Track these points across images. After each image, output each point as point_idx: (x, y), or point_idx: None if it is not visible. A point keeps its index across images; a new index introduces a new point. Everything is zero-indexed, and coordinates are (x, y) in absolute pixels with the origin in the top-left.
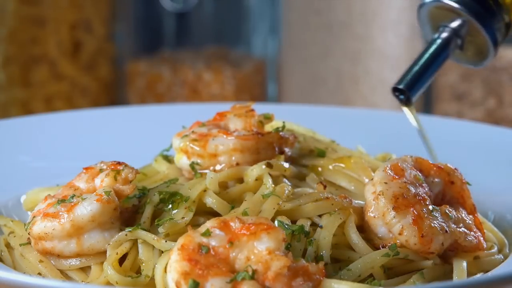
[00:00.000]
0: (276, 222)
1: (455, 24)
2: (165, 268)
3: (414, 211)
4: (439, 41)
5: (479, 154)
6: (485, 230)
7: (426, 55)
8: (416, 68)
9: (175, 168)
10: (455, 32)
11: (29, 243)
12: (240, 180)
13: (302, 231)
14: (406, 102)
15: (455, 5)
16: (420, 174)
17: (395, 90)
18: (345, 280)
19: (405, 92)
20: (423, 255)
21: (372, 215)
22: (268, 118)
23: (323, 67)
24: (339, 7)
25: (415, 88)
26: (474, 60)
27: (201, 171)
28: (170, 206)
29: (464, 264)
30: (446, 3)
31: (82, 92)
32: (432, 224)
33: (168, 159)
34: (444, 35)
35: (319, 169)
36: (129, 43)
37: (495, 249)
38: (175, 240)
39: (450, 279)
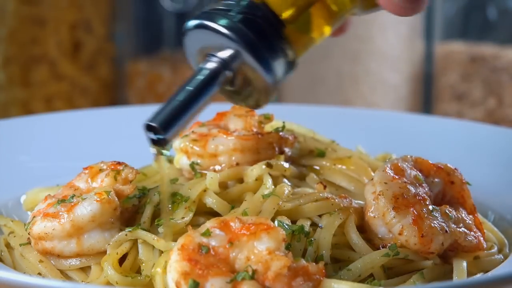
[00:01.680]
0: (276, 222)
1: (225, 54)
2: (165, 268)
3: (414, 211)
4: (204, 72)
5: (479, 154)
6: (485, 230)
7: (188, 89)
8: (174, 103)
9: (175, 168)
10: (224, 64)
11: (29, 243)
12: (240, 180)
13: (302, 231)
14: (161, 143)
15: (224, 31)
16: (420, 174)
17: (148, 128)
18: (345, 280)
19: (158, 131)
20: (423, 255)
21: (372, 215)
22: (268, 118)
23: (323, 67)
24: None
25: (171, 127)
26: (254, 98)
27: (201, 171)
28: (170, 206)
29: (464, 264)
30: (212, 28)
31: (82, 92)
32: (432, 224)
33: (168, 159)
34: (211, 65)
35: (319, 169)
36: (129, 43)
37: (495, 249)
38: (175, 240)
39: (450, 279)
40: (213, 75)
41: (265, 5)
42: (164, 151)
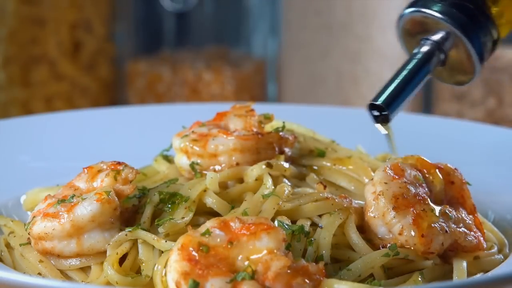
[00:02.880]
0: (276, 222)
1: (437, 37)
2: (165, 268)
3: (414, 211)
4: (419, 55)
5: (479, 154)
6: (485, 230)
7: (405, 71)
8: (395, 84)
9: (175, 168)
10: (438, 46)
11: (29, 243)
12: (240, 180)
13: (302, 231)
14: (383, 121)
15: (439, 15)
16: (420, 174)
17: (372, 107)
18: (345, 280)
19: (382, 109)
20: (423, 255)
21: (372, 215)
22: (268, 118)
23: (323, 67)
24: (339, 7)
25: (393, 105)
26: (457, 78)
27: (201, 171)
28: (170, 206)
29: (464, 264)
30: (428, 13)
31: (82, 92)
32: (432, 224)
33: (168, 159)
34: (425, 48)
35: (319, 169)
36: (129, 43)
37: (495, 249)
38: (175, 240)
39: (450, 279)
40: (428, 56)
41: None
42: (388, 125)
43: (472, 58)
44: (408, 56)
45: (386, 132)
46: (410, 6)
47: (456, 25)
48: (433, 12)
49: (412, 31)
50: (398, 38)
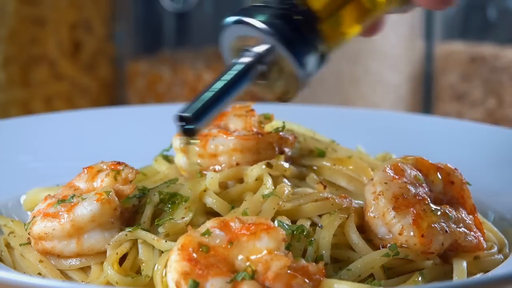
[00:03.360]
0: (276, 222)
1: (260, 49)
2: (165, 268)
3: (414, 211)
4: (238, 66)
5: (479, 154)
6: (485, 230)
7: (221, 82)
8: (208, 96)
9: (175, 168)
10: (259, 58)
11: (29, 243)
12: (240, 180)
13: (302, 231)
14: (191, 133)
15: (262, 26)
16: (420, 174)
17: (180, 118)
18: (345, 280)
19: (190, 121)
20: (423, 255)
21: (372, 215)
22: (268, 118)
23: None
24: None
25: (202, 118)
26: (280, 93)
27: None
28: (170, 206)
29: (464, 264)
30: (251, 23)
31: (82, 92)
32: (432, 224)
33: (168, 159)
34: (245, 60)
35: (319, 169)
36: (129, 43)
37: (495, 249)
38: (175, 240)
39: (450, 279)
40: (247, 69)
41: (301, 0)
42: (193, 141)
43: (296, 73)
44: (227, 66)
45: (187, 144)
46: (235, 14)
47: (279, 39)
48: (256, 23)
49: (235, 41)
50: (220, 47)
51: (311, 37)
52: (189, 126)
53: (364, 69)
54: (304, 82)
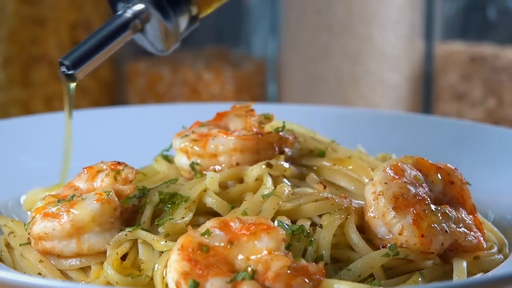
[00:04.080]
0: (276, 222)
1: (136, 7)
2: (165, 268)
3: (414, 211)
4: (117, 20)
5: (479, 154)
6: (485, 230)
7: (101, 33)
8: (87, 45)
9: (175, 168)
10: (135, 15)
11: (29, 243)
12: (240, 180)
13: (302, 231)
14: (69, 78)
15: None
16: (420, 174)
17: (61, 64)
18: (345, 280)
19: (69, 67)
20: (423, 255)
21: (372, 215)
22: (268, 118)
23: (323, 67)
24: (339, 7)
25: (80, 65)
26: (157, 46)
27: (201, 171)
28: (170, 206)
29: (464, 264)
30: None
31: (82, 92)
32: (432, 224)
33: (168, 159)
34: (124, 15)
35: (319, 169)
36: (129, 43)
37: (495, 249)
38: (175, 240)
39: (450, 279)
40: (125, 23)
41: None
42: (72, 84)
43: (166, 31)
44: (109, 19)
45: (69, 86)
46: None
47: (150, 1)
48: None
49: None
50: (111, 7)
51: (180, 2)
52: (68, 72)
53: (364, 69)
54: (176, 38)
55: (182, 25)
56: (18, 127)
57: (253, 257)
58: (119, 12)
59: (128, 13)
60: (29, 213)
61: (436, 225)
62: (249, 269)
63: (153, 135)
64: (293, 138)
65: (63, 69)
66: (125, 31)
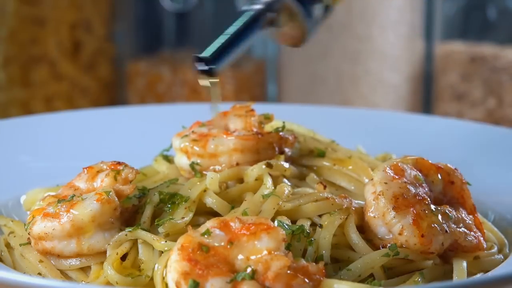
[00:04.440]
0: (276, 222)
1: None
2: (165, 268)
3: (414, 211)
4: (249, 13)
5: (479, 154)
6: (485, 230)
7: (235, 27)
8: (223, 40)
9: (175, 168)
10: (268, 7)
11: (29, 243)
12: (240, 180)
13: (302, 231)
14: (210, 74)
15: None
16: (420, 174)
17: (198, 60)
18: (345, 280)
19: (209, 62)
20: (423, 255)
21: (372, 215)
22: (268, 118)
23: (323, 67)
24: (339, 7)
25: (219, 59)
26: (289, 40)
27: (201, 171)
28: (170, 206)
29: (464, 264)
30: None
31: (82, 92)
32: (432, 224)
33: (168, 159)
34: (255, 7)
35: (319, 169)
36: (129, 43)
37: (495, 249)
38: (175, 240)
39: (450, 279)
40: (257, 16)
41: None
42: (213, 80)
43: (302, 22)
44: (240, 13)
45: (209, 85)
46: None
47: None
48: None
49: None
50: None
51: None
52: (207, 67)
53: (364, 69)
54: (311, 30)
55: (317, 15)
56: (18, 127)
57: (253, 257)
58: (254, 4)
59: (260, 4)
60: (29, 213)
61: (436, 225)
62: (249, 269)
63: (153, 135)
64: (293, 138)
65: (201, 65)
66: (258, 24)
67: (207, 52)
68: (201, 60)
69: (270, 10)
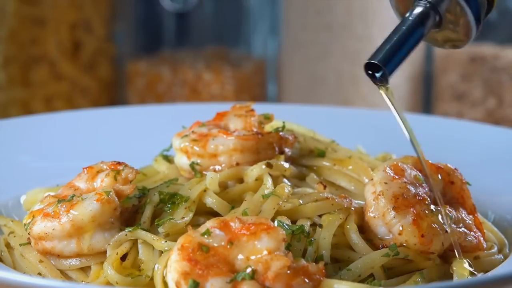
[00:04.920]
0: (276, 222)
1: None
2: (165, 268)
3: (414, 211)
4: (413, 17)
5: (479, 154)
6: (485, 230)
7: (400, 32)
8: (390, 44)
9: (175, 168)
10: (433, 7)
11: (29, 243)
12: (240, 180)
13: (302, 231)
14: (382, 80)
15: None
16: (420, 174)
17: (368, 67)
18: (345, 280)
19: (379, 68)
20: (423, 255)
21: (372, 215)
22: (268, 118)
23: (323, 67)
24: (339, 7)
25: (391, 64)
26: (451, 42)
27: (201, 171)
28: (170, 206)
29: (465, 264)
30: None
31: (82, 92)
32: (432, 224)
33: (168, 159)
34: (419, 9)
35: (319, 169)
36: (129, 43)
37: (495, 249)
38: (175, 240)
39: (450, 279)
40: (423, 17)
41: None
42: (388, 85)
43: (469, 20)
44: (401, 19)
45: (386, 95)
46: None
47: None
48: None
49: None
50: (391, 4)
51: None
52: (379, 73)
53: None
54: (476, 28)
55: (482, 13)
56: (18, 127)
57: (253, 257)
58: (413, 8)
59: (423, 6)
60: (28, 213)
61: (436, 225)
62: (249, 269)
63: (153, 135)
64: (293, 138)
65: (371, 72)
66: (424, 26)
67: (375, 58)
68: (371, 67)
69: (435, 11)
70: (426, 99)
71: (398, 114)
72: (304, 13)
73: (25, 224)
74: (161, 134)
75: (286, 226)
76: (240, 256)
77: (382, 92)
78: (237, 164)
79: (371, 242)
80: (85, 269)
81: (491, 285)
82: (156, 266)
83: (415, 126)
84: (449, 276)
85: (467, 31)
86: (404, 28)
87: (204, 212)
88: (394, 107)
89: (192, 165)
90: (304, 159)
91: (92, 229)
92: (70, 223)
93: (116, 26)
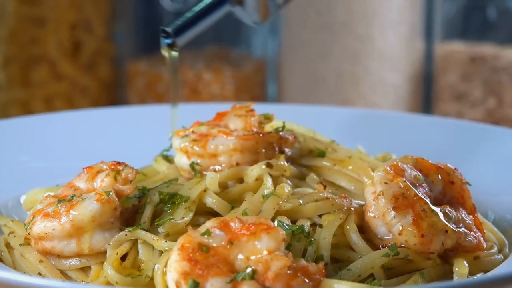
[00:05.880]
0: (276, 222)
1: None
2: (165, 268)
3: (414, 211)
4: None
5: (479, 154)
6: (485, 230)
7: (203, 5)
8: (189, 14)
9: (175, 168)
10: None
11: (29, 243)
12: (240, 180)
13: (302, 231)
14: (171, 46)
15: None
16: (420, 174)
17: (163, 32)
18: (345, 280)
19: (171, 35)
20: (423, 255)
21: (372, 215)
22: (268, 118)
23: (323, 67)
24: (339, 7)
25: (182, 33)
26: (253, 18)
27: (201, 171)
28: (170, 206)
29: (465, 264)
30: None
31: (82, 92)
32: (432, 224)
33: (168, 159)
34: None
35: (319, 169)
36: (129, 43)
37: (495, 249)
38: (175, 240)
39: (450, 279)
40: None
41: None
42: (174, 53)
43: (265, 3)
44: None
45: (168, 55)
46: None
47: None
48: None
49: None
50: None
51: None
52: (169, 40)
53: (364, 69)
54: (275, 11)
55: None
56: (18, 127)
57: (253, 257)
58: None
59: None
60: (29, 213)
61: (436, 225)
62: (249, 269)
63: (153, 135)
64: (293, 138)
65: (165, 39)
66: (225, 3)
67: (171, 26)
68: (165, 33)
69: None
70: (426, 99)
71: (171, 78)
72: (304, 13)
73: (25, 224)
74: (161, 134)
75: (286, 226)
76: (240, 256)
77: (164, 53)
78: (237, 164)
79: (371, 242)
80: (85, 269)
81: (491, 285)
82: (156, 266)
83: (415, 126)
84: (449, 276)
85: (266, 9)
86: (206, 3)
87: (204, 212)
88: (170, 69)
89: (192, 165)
90: (304, 159)
91: (92, 229)
92: (70, 223)
93: (116, 26)
